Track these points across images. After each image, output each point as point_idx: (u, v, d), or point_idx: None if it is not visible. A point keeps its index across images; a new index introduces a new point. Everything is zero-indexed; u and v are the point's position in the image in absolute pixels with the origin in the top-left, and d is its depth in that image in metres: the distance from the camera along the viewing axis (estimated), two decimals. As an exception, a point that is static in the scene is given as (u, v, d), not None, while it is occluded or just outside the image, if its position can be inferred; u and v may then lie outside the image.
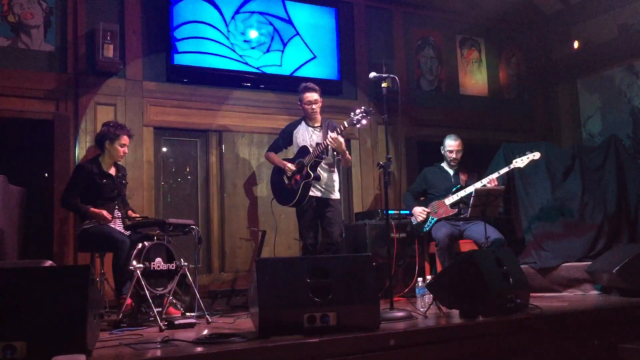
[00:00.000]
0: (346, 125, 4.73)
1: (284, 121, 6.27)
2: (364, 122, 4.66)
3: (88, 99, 5.54)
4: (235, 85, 6.21)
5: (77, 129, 5.48)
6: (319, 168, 5.00)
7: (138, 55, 5.81)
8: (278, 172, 5.23)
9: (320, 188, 5.02)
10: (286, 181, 5.11)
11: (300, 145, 5.14)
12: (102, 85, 5.61)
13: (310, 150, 5.01)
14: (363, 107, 4.67)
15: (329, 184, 5.08)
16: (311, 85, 5.18)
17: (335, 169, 5.17)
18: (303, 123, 5.23)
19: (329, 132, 4.86)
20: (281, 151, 5.39)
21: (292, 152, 5.40)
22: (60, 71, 5.52)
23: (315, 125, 5.18)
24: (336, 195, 5.12)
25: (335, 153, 5.04)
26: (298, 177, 5.01)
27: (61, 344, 2.41)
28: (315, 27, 6.62)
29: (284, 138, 5.34)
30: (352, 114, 4.66)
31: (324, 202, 5.04)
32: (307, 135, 5.15)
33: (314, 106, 5.10)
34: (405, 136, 7.02)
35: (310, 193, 4.98)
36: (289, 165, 5.09)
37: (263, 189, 6.29)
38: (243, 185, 6.24)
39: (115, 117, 5.53)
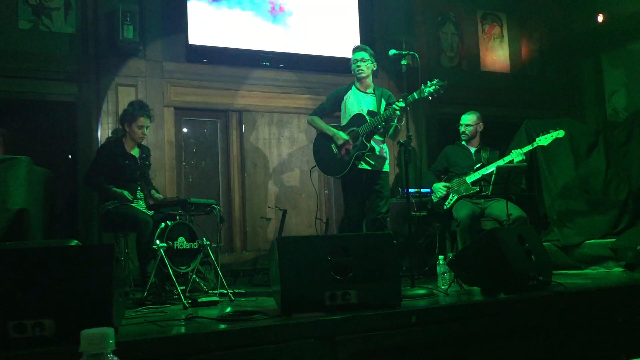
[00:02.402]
0: (417, 96, 4.45)
1: (304, 100, 6.27)
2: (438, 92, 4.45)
3: (109, 81, 5.58)
4: (254, 64, 6.21)
5: (99, 110, 5.52)
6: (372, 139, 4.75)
7: (157, 36, 5.83)
8: (325, 139, 4.88)
9: (371, 161, 4.77)
10: (335, 150, 4.78)
11: (353, 111, 4.82)
12: (123, 66, 5.64)
13: (367, 119, 4.69)
14: (438, 81, 4.42)
15: (382, 156, 4.83)
16: (359, 45, 5.00)
17: (385, 141, 4.93)
18: (354, 88, 4.91)
19: (401, 98, 4.39)
20: (326, 117, 5.04)
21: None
22: (82, 53, 5.56)
23: (367, 91, 4.89)
24: (387, 167, 4.89)
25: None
26: (350, 147, 4.71)
27: (88, 321, 2.45)
28: (336, 4, 6.56)
29: (333, 102, 4.97)
30: (430, 86, 4.42)
31: (374, 175, 4.80)
32: (359, 101, 4.85)
33: (360, 64, 4.81)
34: (426, 114, 6.97)
35: (360, 166, 4.73)
36: (340, 134, 4.76)
37: (283, 168, 6.31)
38: (263, 164, 6.26)
39: (136, 98, 5.56)
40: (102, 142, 5.33)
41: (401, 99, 4.38)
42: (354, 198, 4.82)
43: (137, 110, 4.69)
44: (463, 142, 5.51)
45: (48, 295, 2.50)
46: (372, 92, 4.88)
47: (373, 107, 4.80)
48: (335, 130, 4.82)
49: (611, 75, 7.65)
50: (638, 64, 7.32)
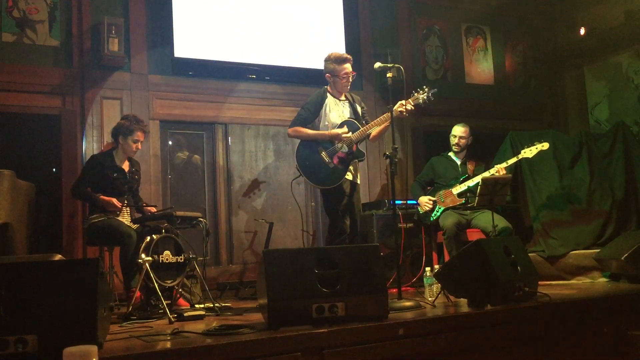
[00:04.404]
0: (412, 103, 4.38)
1: (290, 113, 6.24)
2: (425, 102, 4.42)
3: (94, 94, 5.55)
4: (240, 77, 6.21)
5: (84, 123, 5.49)
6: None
7: (143, 49, 5.82)
8: (311, 148, 4.58)
9: (352, 170, 4.57)
10: (326, 159, 4.52)
11: (336, 118, 4.60)
12: (108, 79, 5.62)
13: (360, 125, 4.53)
14: (429, 88, 4.37)
15: (357, 167, 4.67)
16: (348, 56, 4.71)
17: None
18: (329, 96, 4.69)
19: (400, 102, 4.33)
20: (306, 126, 4.68)
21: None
22: (66, 66, 5.53)
23: (342, 98, 4.71)
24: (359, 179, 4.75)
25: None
26: (343, 154, 4.50)
27: (72, 336, 2.42)
28: (321, 17, 6.60)
29: (313, 110, 4.66)
30: (422, 93, 4.40)
31: (354, 186, 4.61)
32: (338, 109, 4.65)
33: (350, 78, 4.65)
34: (412, 126, 7.01)
35: (346, 175, 4.52)
36: (336, 136, 4.46)
37: (270, 181, 6.30)
38: (249, 177, 6.24)
39: (122, 111, 5.54)
40: (93, 154, 5.25)
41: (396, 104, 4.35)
42: (343, 210, 4.54)
43: (133, 124, 4.65)
44: (450, 154, 5.55)
45: (31, 311, 2.47)
46: (345, 98, 4.74)
47: (352, 114, 4.68)
48: (333, 134, 4.52)
49: (593, 87, 7.76)
50: (620, 76, 7.43)
